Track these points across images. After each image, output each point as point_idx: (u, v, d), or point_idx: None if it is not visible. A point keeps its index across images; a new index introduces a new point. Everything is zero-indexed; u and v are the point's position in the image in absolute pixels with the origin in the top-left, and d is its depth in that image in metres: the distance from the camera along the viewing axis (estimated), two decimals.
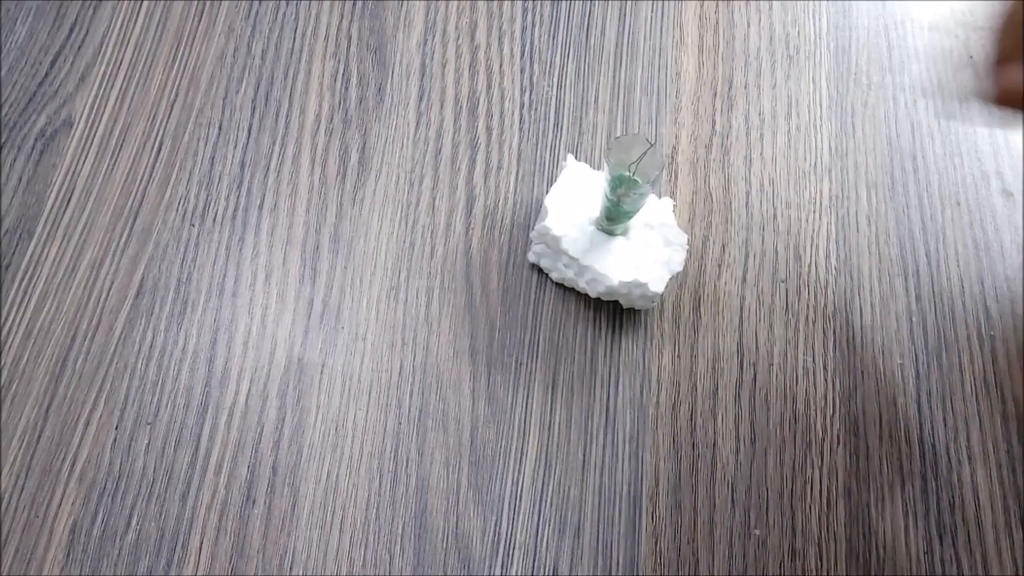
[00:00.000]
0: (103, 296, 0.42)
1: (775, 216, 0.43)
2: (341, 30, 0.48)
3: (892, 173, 0.44)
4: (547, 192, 0.40)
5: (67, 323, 0.42)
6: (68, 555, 0.37)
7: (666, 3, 0.49)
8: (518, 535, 0.37)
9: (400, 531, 0.37)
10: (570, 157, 0.41)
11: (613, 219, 0.37)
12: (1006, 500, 0.37)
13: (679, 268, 0.38)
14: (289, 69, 0.47)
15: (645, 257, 0.38)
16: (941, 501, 0.37)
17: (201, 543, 0.37)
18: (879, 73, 0.47)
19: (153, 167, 0.45)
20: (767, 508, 0.37)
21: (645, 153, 0.34)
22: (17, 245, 0.43)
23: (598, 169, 0.43)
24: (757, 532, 0.37)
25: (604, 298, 0.40)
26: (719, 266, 0.42)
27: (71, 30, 0.49)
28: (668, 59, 0.47)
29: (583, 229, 0.39)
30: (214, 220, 0.44)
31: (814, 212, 0.43)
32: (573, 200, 0.39)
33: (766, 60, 0.47)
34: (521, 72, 0.47)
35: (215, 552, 0.37)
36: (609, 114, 0.46)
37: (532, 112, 0.46)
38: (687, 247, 0.38)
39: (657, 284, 0.38)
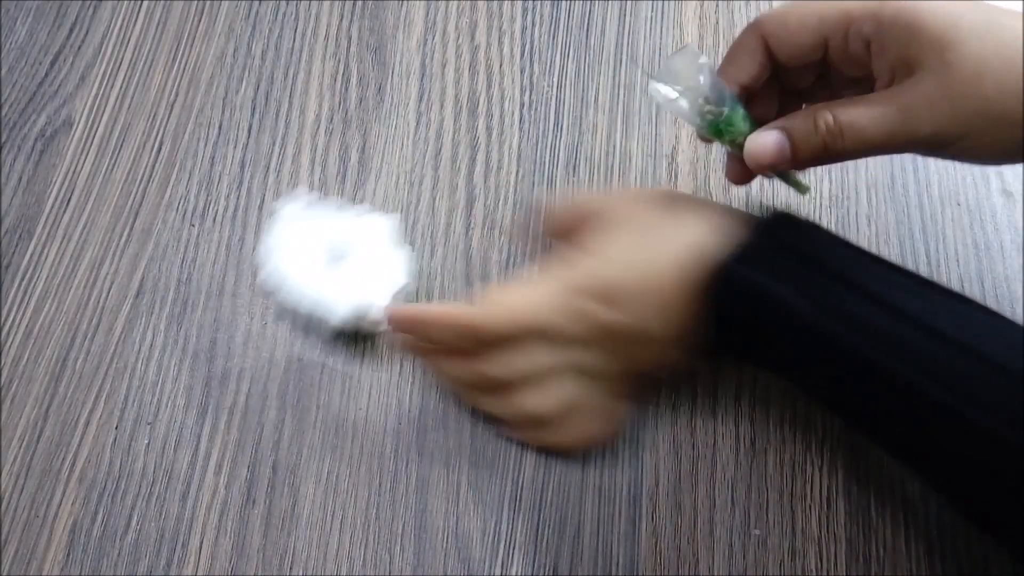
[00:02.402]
0: (103, 296, 0.42)
1: None
2: (341, 30, 0.48)
3: (892, 173, 0.44)
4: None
5: (67, 323, 0.42)
6: (68, 555, 0.37)
7: (666, 3, 0.49)
8: (518, 535, 0.37)
9: (400, 531, 0.37)
10: (281, 205, 0.40)
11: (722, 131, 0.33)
12: None
13: (404, 280, 0.39)
14: (289, 69, 0.47)
15: (367, 286, 0.39)
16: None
17: (201, 543, 0.37)
18: None
19: (153, 167, 0.45)
20: (767, 508, 0.37)
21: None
22: (17, 245, 0.43)
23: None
24: (757, 532, 0.37)
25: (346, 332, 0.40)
26: None
27: (71, 30, 0.49)
28: None
29: (303, 284, 0.39)
30: (214, 220, 0.44)
31: (814, 212, 0.43)
32: (291, 256, 0.39)
33: None
34: (521, 72, 0.47)
35: (215, 552, 0.37)
36: (609, 114, 0.46)
37: (532, 112, 0.46)
38: (410, 258, 0.39)
39: (380, 303, 0.38)
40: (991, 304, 0.41)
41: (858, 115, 0.30)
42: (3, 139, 0.46)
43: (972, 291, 0.41)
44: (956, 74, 0.28)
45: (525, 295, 0.35)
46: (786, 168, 0.33)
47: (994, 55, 0.28)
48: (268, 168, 0.45)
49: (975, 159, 0.31)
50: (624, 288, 0.34)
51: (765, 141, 0.32)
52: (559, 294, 0.34)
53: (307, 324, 0.40)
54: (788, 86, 0.34)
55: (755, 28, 0.32)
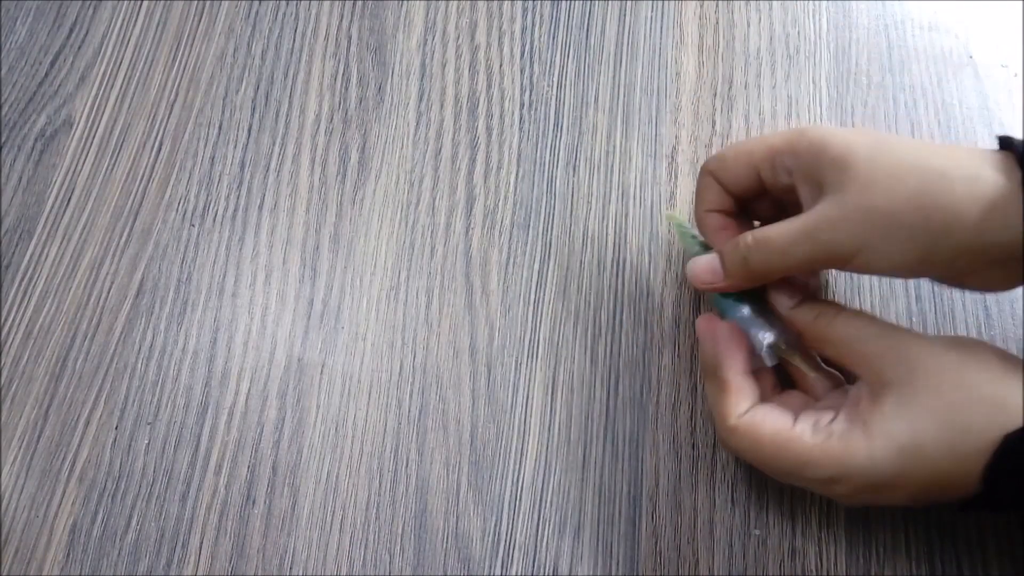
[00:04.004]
0: (103, 296, 0.42)
1: None
2: (341, 30, 0.48)
3: None
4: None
5: (67, 323, 0.42)
6: (68, 555, 0.37)
7: (666, 3, 0.49)
8: (518, 535, 0.37)
9: (400, 531, 0.37)
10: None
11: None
12: None
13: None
14: (289, 69, 0.47)
15: None
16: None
17: (201, 543, 0.37)
18: (879, 73, 0.47)
19: (153, 167, 0.45)
20: (767, 508, 0.37)
21: None
22: (17, 245, 0.43)
23: None
24: (757, 532, 0.37)
25: None
26: None
27: (71, 30, 0.49)
28: (668, 59, 0.47)
29: None
30: (214, 220, 0.44)
31: None
32: None
33: (766, 60, 0.47)
34: (521, 72, 0.47)
35: (215, 552, 0.37)
36: (609, 114, 0.46)
37: (532, 112, 0.46)
38: None
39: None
40: (990, 304, 0.41)
41: (770, 233, 0.33)
42: (3, 139, 0.46)
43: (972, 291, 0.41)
44: (851, 189, 0.31)
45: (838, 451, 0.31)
46: (720, 288, 0.36)
47: (883, 169, 0.31)
48: (268, 168, 0.45)
49: (879, 272, 0.33)
50: (903, 482, 0.31)
51: (700, 262, 0.37)
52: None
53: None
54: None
55: (704, 169, 0.37)
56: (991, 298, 0.41)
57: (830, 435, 0.31)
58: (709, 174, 0.37)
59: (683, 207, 0.43)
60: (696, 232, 0.40)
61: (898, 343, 0.32)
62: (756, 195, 0.37)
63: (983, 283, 0.32)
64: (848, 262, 0.32)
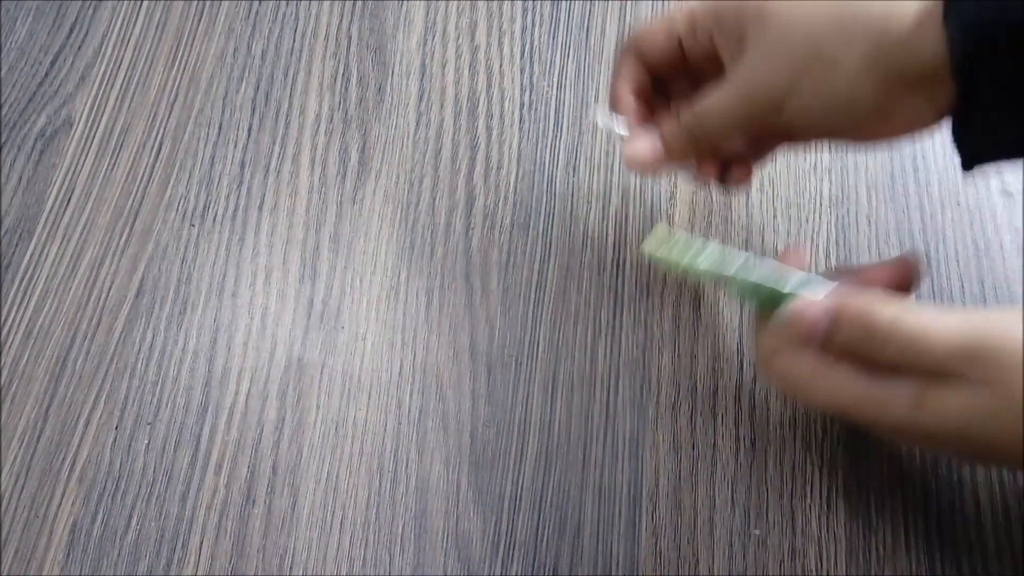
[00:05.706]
0: (103, 296, 0.42)
1: (775, 216, 0.43)
2: (341, 30, 0.48)
3: (892, 173, 0.44)
4: None
5: (67, 323, 0.42)
6: (68, 555, 0.37)
7: (666, 3, 0.49)
8: (518, 535, 0.37)
9: (400, 531, 0.37)
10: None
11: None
12: (1006, 500, 0.37)
13: None
14: (289, 69, 0.47)
15: None
16: (942, 501, 0.37)
17: (201, 543, 0.37)
18: None
19: (153, 167, 0.45)
20: (767, 508, 0.37)
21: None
22: (17, 245, 0.43)
23: None
24: (757, 532, 0.37)
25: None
26: None
27: (71, 30, 0.49)
28: None
29: None
30: (214, 220, 0.44)
31: (814, 212, 0.43)
32: None
33: None
34: (521, 72, 0.47)
35: (215, 552, 0.37)
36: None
37: (532, 112, 0.46)
38: None
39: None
40: (991, 304, 0.41)
41: (707, 101, 0.33)
42: (3, 139, 0.46)
43: (972, 291, 0.41)
44: (772, 31, 0.31)
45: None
46: (662, 167, 0.36)
47: (800, 6, 0.31)
48: (268, 168, 0.45)
49: (812, 120, 0.32)
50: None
51: (639, 142, 0.35)
52: None
53: None
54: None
55: (623, 49, 0.37)
56: (991, 298, 0.41)
57: None
58: (629, 51, 0.36)
59: (682, 208, 0.43)
60: (684, 256, 0.36)
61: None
62: (674, 69, 0.36)
63: (906, 121, 0.32)
64: (782, 108, 0.32)
